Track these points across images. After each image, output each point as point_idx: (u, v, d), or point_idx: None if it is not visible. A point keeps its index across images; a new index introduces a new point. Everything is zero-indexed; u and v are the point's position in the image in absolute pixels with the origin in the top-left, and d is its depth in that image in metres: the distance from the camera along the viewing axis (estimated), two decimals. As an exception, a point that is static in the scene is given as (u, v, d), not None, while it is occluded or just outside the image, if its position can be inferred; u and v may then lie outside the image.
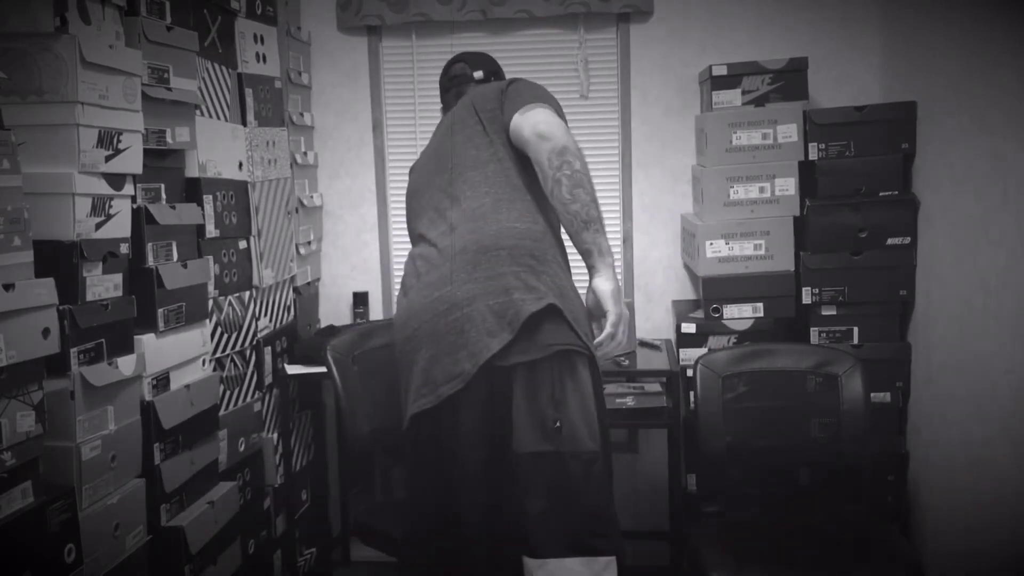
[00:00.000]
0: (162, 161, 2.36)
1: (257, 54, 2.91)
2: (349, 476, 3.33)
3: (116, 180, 2.10)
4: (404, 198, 2.28)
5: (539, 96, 2.10)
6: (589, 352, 1.91)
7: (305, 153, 3.27)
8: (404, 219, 3.38)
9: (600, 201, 1.99)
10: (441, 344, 1.89)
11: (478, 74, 2.39)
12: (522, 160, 2.05)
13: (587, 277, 1.99)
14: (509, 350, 1.85)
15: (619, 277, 2.51)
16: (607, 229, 2.03)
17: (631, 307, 2.92)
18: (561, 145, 1.95)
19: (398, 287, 3.44)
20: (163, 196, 2.36)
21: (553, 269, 1.95)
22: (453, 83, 2.44)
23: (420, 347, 1.93)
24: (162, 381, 2.28)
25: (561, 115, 2.09)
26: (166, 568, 2.23)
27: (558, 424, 1.82)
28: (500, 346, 1.85)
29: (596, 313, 1.97)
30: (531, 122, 1.99)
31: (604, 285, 1.92)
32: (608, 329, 1.90)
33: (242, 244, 2.77)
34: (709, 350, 2.79)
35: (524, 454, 1.85)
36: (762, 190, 2.87)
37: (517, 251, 1.91)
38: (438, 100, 3.39)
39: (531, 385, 1.86)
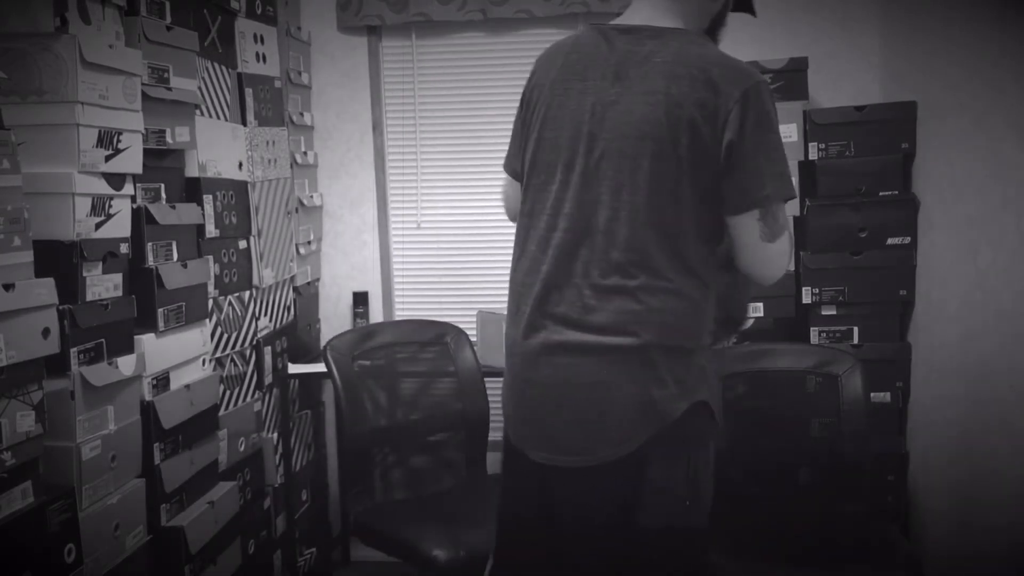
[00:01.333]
0: (162, 161, 2.36)
1: (257, 54, 2.91)
2: (349, 476, 3.33)
3: (116, 180, 2.10)
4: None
5: (783, 175, 1.57)
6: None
7: (305, 153, 3.27)
8: (404, 219, 3.44)
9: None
10: None
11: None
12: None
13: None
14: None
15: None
16: None
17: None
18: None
19: (398, 287, 3.47)
20: (163, 196, 2.36)
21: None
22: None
23: None
24: (162, 381, 2.28)
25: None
26: (166, 568, 2.23)
27: None
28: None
29: None
30: (768, 253, 1.59)
31: None
32: None
33: (242, 244, 2.76)
34: (709, 350, 2.79)
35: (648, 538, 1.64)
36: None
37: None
38: (438, 100, 3.42)
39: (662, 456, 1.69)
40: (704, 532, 1.63)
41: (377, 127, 3.39)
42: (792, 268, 2.88)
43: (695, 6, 1.69)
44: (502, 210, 1.92)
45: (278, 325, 3.05)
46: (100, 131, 2.02)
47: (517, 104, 1.78)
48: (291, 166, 3.14)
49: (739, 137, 1.53)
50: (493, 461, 2.66)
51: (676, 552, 1.60)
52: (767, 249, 1.60)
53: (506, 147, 1.83)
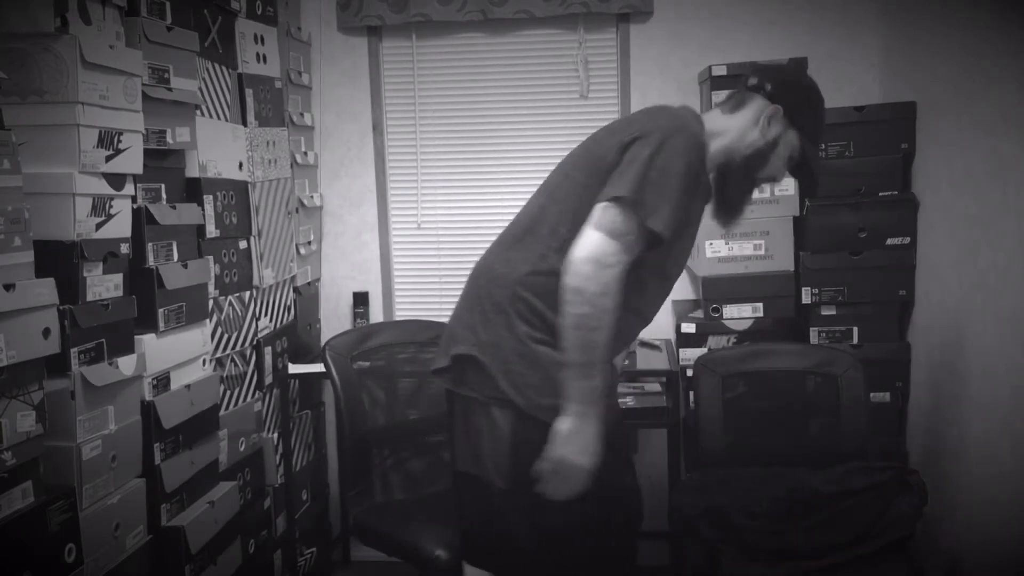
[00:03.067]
0: (162, 161, 2.36)
1: (257, 54, 2.91)
2: (348, 476, 3.33)
3: (116, 180, 2.10)
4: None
5: (621, 189, 1.73)
6: (518, 405, 1.82)
7: (305, 153, 3.27)
8: (403, 219, 3.44)
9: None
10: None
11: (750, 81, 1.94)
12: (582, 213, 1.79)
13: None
14: (445, 375, 1.93)
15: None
16: None
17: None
18: (579, 287, 1.71)
19: (398, 287, 3.47)
20: (163, 196, 2.36)
21: (504, 320, 1.84)
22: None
23: None
24: (162, 381, 2.28)
25: (647, 209, 1.73)
26: (166, 568, 2.23)
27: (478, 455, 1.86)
28: (439, 366, 1.94)
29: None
30: (585, 243, 1.72)
31: (558, 425, 1.76)
32: (543, 464, 1.78)
33: (242, 244, 2.77)
34: (709, 350, 2.79)
35: (457, 472, 1.94)
36: (762, 190, 2.85)
37: (483, 291, 1.87)
38: (438, 100, 3.42)
39: (460, 412, 1.92)
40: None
41: (377, 127, 3.39)
42: (792, 268, 2.89)
43: (736, 122, 1.89)
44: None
45: (278, 325, 3.05)
46: (100, 131, 2.02)
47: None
48: (291, 166, 3.14)
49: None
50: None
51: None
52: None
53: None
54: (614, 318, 1.73)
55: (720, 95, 2.92)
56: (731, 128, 1.88)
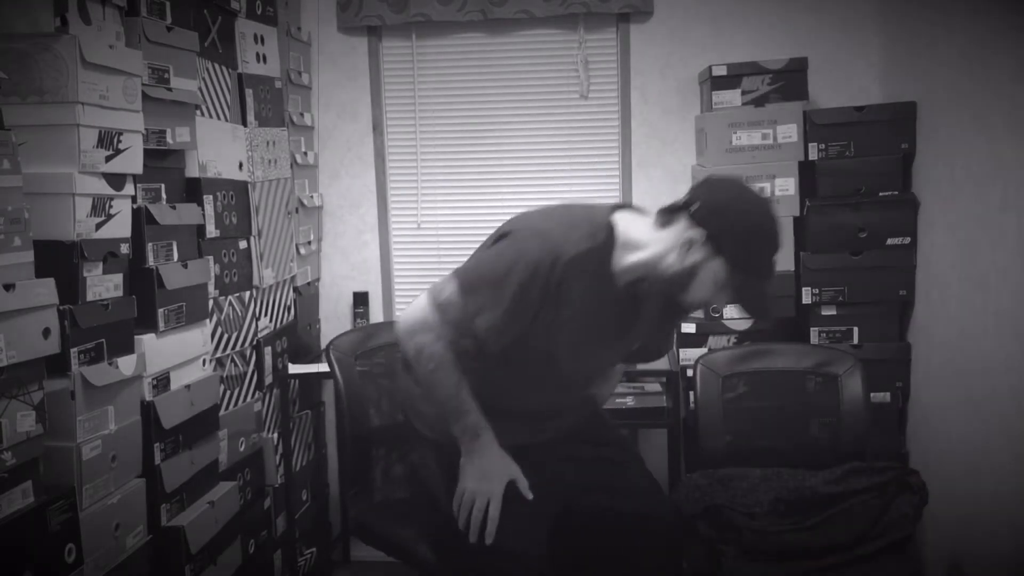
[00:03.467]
0: (162, 161, 2.36)
1: (257, 54, 2.91)
2: (348, 475, 3.33)
3: (116, 180, 2.10)
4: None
5: (466, 273, 1.82)
6: (441, 446, 1.94)
7: (305, 153, 3.27)
8: (403, 219, 3.44)
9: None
10: None
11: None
12: None
13: None
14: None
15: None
16: None
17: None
18: (402, 347, 1.88)
19: (398, 287, 3.47)
20: (163, 196, 2.36)
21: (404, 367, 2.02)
22: None
23: None
24: (162, 381, 2.28)
25: (476, 292, 1.78)
26: (166, 568, 2.23)
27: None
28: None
29: None
30: (413, 305, 1.86)
31: (461, 461, 1.87)
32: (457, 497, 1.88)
33: (242, 244, 2.77)
34: (709, 350, 2.79)
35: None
36: (762, 190, 2.87)
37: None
38: (438, 100, 3.42)
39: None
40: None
41: (377, 127, 3.39)
42: (792, 268, 2.89)
43: (659, 239, 1.76)
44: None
45: (278, 325, 3.05)
46: (100, 131, 2.02)
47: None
48: (291, 166, 3.14)
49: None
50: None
51: None
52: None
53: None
54: (449, 377, 1.80)
55: (720, 95, 2.93)
56: (652, 244, 1.75)
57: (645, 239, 1.77)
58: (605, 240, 1.78)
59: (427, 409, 1.96)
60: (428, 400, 1.91)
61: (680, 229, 1.72)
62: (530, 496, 1.84)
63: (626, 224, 1.81)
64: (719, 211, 1.71)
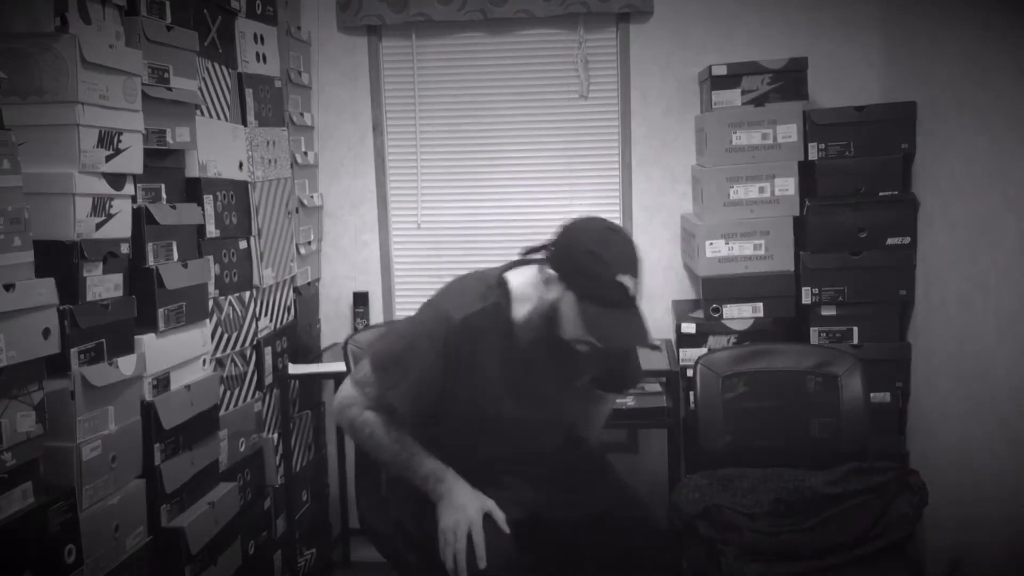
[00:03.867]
0: (162, 161, 2.36)
1: (257, 54, 2.91)
2: (360, 470, 3.32)
3: (116, 180, 2.10)
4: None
5: (377, 352, 1.97)
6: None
7: (305, 153, 3.27)
8: (403, 219, 3.44)
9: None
10: None
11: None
12: None
13: None
14: None
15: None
16: None
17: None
18: (345, 428, 2.03)
19: (398, 287, 3.47)
20: (163, 196, 2.36)
21: None
22: None
23: None
24: (162, 381, 2.28)
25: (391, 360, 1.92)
26: (166, 569, 2.23)
27: None
28: None
29: None
30: (342, 384, 2.02)
31: (438, 507, 1.93)
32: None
33: (242, 244, 2.77)
34: (709, 350, 2.79)
35: None
36: (762, 190, 2.87)
37: None
38: (438, 100, 3.42)
39: None
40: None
41: (377, 127, 3.39)
42: (792, 268, 2.89)
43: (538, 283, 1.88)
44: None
45: (278, 325, 3.05)
46: (100, 131, 2.02)
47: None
48: (291, 166, 3.14)
49: None
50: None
51: None
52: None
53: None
54: (387, 435, 1.93)
55: (720, 95, 2.93)
56: (535, 292, 1.87)
57: (531, 292, 1.89)
58: (498, 299, 1.90)
59: (390, 471, 2.06)
60: (383, 465, 2.04)
61: (544, 271, 1.86)
62: (507, 530, 1.89)
63: (517, 279, 1.93)
64: (563, 245, 1.84)
